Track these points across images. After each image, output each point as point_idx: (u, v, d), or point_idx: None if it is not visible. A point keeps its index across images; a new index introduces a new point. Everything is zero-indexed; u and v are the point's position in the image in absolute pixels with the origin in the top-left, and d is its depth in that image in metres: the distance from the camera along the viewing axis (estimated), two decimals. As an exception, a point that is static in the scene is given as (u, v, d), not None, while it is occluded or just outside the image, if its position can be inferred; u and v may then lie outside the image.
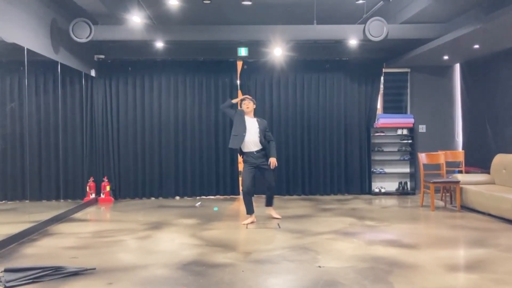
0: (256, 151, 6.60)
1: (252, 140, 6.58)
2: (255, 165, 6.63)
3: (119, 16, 7.34)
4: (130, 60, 9.16)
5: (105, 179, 8.90)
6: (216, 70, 9.29)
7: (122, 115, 9.17)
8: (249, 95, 7.26)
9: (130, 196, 9.18)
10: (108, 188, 8.87)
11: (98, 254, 5.08)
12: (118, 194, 9.15)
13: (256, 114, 9.29)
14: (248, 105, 6.75)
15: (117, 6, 7.24)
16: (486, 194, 6.92)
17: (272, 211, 7.05)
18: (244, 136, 6.57)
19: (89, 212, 7.97)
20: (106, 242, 5.63)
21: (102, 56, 9.15)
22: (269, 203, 7.01)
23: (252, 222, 6.63)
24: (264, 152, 6.65)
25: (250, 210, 6.69)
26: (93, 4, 6.73)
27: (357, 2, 6.61)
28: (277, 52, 8.47)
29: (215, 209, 6.77)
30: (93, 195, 8.70)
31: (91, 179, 8.76)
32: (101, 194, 8.83)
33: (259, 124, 6.71)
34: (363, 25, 7.45)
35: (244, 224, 6.59)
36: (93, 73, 8.99)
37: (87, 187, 8.69)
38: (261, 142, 6.61)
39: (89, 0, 6.60)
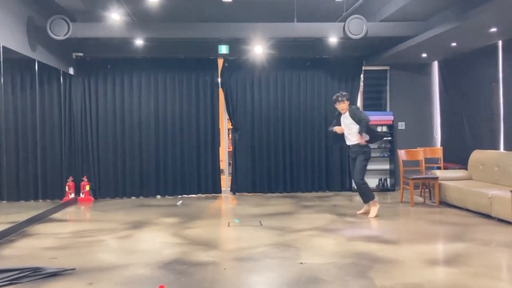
0: (351, 145, 6.92)
1: (347, 135, 6.93)
2: (353, 157, 6.97)
3: (97, 13, 7.25)
4: (109, 58, 9.04)
5: (85, 179, 8.78)
6: (197, 68, 9.24)
7: (102, 113, 9.06)
8: (343, 92, 7.15)
9: (110, 195, 9.08)
10: (87, 187, 8.76)
11: (78, 254, 5.02)
12: (98, 193, 9.04)
13: (237, 112, 9.36)
14: (341, 106, 6.94)
15: (95, 3, 7.15)
16: (464, 189, 7.05)
17: (367, 208, 6.94)
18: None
19: (69, 212, 7.86)
20: (86, 242, 5.56)
21: (81, 54, 9.02)
22: (363, 199, 7.00)
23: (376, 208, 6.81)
24: (359, 146, 6.83)
25: (371, 196, 6.85)
26: (71, 1, 6.64)
27: (337, 0, 6.64)
28: (258, 50, 8.47)
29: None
30: (73, 195, 8.58)
31: (70, 178, 8.63)
32: (81, 194, 8.72)
33: (351, 117, 6.87)
34: (343, 23, 7.50)
35: (373, 216, 6.69)
36: (71, 71, 8.86)
37: (66, 187, 8.56)
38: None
39: (67, -3, 6.51)
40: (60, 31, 7.21)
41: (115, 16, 7.13)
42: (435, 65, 9.67)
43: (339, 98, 6.91)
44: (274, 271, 4.36)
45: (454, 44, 7.60)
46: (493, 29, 6.55)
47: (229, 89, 9.29)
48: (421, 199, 8.13)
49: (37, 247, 5.33)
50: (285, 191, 9.40)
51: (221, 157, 9.56)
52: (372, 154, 9.51)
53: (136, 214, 7.34)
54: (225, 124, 9.70)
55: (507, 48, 7.34)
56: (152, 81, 9.18)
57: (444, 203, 7.60)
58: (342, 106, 6.91)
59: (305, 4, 7.39)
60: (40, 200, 8.35)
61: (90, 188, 8.84)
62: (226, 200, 8.84)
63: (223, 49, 8.84)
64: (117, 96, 9.09)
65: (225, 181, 9.68)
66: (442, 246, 5.39)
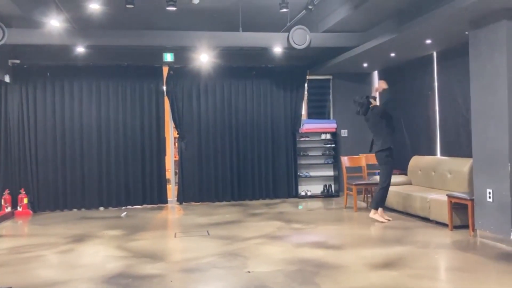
0: (376, 151, 7.06)
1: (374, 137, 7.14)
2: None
3: (35, 19, 6.96)
4: (49, 65, 8.71)
5: (22, 191, 8.38)
6: (141, 75, 9.08)
7: (40, 123, 8.69)
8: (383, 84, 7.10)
9: (50, 208, 8.70)
10: (25, 200, 8.36)
11: (15, 271, 4.76)
12: (37, 206, 8.64)
13: (183, 121, 9.27)
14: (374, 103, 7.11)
15: (33, 9, 6.86)
16: (403, 194, 7.33)
17: (374, 214, 6.98)
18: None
19: (5, 227, 7.45)
20: (24, 258, 5.29)
21: (17, 61, 8.63)
22: (372, 204, 7.11)
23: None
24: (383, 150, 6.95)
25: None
26: (5, 5, 6.34)
27: (281, 11, 6.76)
28: (204, 58, 8.46)
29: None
30: (9, 209, 8.15)
31: (7, 191, 8.20)
32: (18, 207, 8.30)
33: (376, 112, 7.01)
34: (287, 33, 7.64)
35: (383, 221, 6.82)
36: (7, 78, 8.44)
37: (2, 200, 8.13)
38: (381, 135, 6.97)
39: (1, 1, 6.20)
40: (-5, 37, 6.87)
41: (54, 23, 6.88)
42: (376, 74, 10.03)
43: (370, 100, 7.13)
44: (222, 280, 4.34)
45: (393, 54, 7.93)
46: (428, 41, 6.89)
47: (175, 97, 9.19)
48: (364, 204, 8.37)
49: (-31, 266, 5.02)
50: (232, 200, 9.39)
51: (167, 167, 9.42)
52: (317, 161, 9.83)
53: (78, 227, 7.08)
54: (171, 132, 9.58)
55: (441, 58, 7.74)
56: (94, 89, 8.92)
57: (385, 208, 7.84)
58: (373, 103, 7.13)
59: (250, 13, 7.46)
60: (-27, 215, 7.88)
61: (28, 201, 8.43)
62: (173, 210, 8.71)
63: (168, 57, 8.74)
64: (57, 105, 8.76)
65: (172, 190, 9.54)
66: (384, 250, 5.56)
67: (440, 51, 7.67)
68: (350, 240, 5.90)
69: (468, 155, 6.32)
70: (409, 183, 8.05)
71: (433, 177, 7.43)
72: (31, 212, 8.43)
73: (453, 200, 6.07)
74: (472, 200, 5.80)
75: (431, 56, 7.93)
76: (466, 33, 5.90)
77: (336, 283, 4.14)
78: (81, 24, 7.67)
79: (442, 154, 7.80)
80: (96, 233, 6.57)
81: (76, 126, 8.82)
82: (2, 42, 6.90)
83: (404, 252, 5.15)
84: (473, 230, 5.81)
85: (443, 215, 6.29)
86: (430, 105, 8.09)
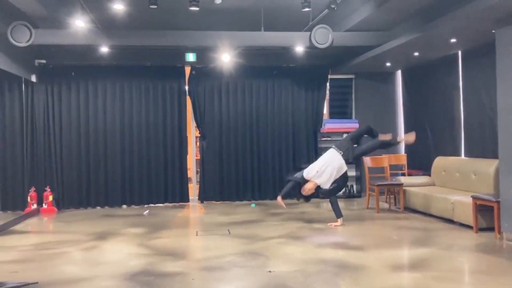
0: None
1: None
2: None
3: (61, 20, 7.09)
4: (73, 65, 8.86)
5: (48, 189, 8.54)
6: (164, 75, 9.17)
7: (65, 122, 8.85)
8: None
9: (74, 205, 8.85)
10: (50, 198, 8.52)
11: (40, 267, 4.86)
12: (62, 204, 8.80)
13: (205, 120, 9.32)
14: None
15: (58, 10, 6.99)
16: (427, 195, 7.22)
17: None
18: None
19: (31, 223, 7.62)
20: (49, 254, 5.40)
21: (44, 61, 8.80)
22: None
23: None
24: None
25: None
26: (32, 7, 6.47)
27: (303, 10, 6.73)
28: (225, 58, 8.48)
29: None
30: (35, 206, 8.33)
31: (33, 188, 8.39)
32: (43, 204, 8.47)
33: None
34: (309, 33, 7.60)
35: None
36: (33, 78, 8.62)
37: (28, 197, 8.31)
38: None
39: (28, 3, 6.34)
40: (22, 38, 7.01)
41: (79, 23, 6.99)
42: (399, 74, 9.91)
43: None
44: (243, 280, 4.35)
45: (416, 53, 7.82)
46: (453, 40, 6.78)
47: (197, 97, 9.26)
48: (386, 205, 8.28)
49: (-3, 261, 5.14)
50: (253, 199, 9.40)
51: (188, 165, 9.49)
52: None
53: (101, 225, 7.18)
54: (192, 132, 9.64)
55: (467, 57, 7.61)
56: (118, 88, 9.04)
57: (408, 209, 7.76)
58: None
59: (272, 13, 7.46)
60: (1, 212, 8.09)
61: (53, 198, 8.59)
62: (194, 209, 8.77)
63: (190, 57, 8.79)
64: (81, 104, 8.91)
65: (193, 189, 9.60)
66: (407, 251, 5.51)
67: (465, 50, 7.54)
68: (372, 241, 5.85)
69: (494, 156, 6.20)
70: (433, 184, 7.93)
71: (457, 178, 7.30)
72: (55, 209, 8.59)
73: (478, 202, 5.95)
74: (498, 202, 5.68)
75: (456, 55, 7.80)
76: (493, 31, 5.78)
77: (357, 284, 4.10)
78: (105, 25, 7.79)
79: (467, 154, 7.66)
80: (119, 231, 6.66)
81: (100, 125, 8.96)
82: (29, 42, 7.05)
83: (427, 254, 5.08)
84: (499, 232, 5.69)
85: (468, 217, 6.17)
86: (454, 105, 7.95)
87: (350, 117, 10.01)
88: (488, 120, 6.98)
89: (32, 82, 8.63)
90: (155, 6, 6.46)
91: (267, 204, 8.92)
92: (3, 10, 6.92)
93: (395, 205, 8.26)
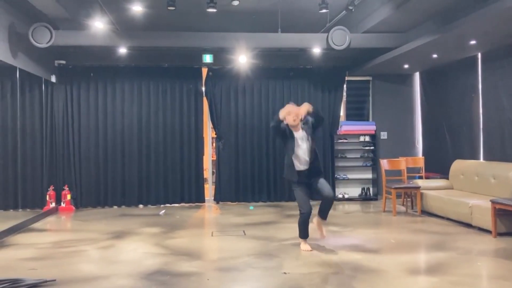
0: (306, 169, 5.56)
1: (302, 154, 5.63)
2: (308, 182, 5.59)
3: (81, 21, 7.20)
4: (92, 65, 8.98)
5: (66, 188, 8.66)
6: (181, 76, 9.23)
7: (84, 122, 8.97)
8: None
9: (92, 204, 8.97)
10: (68, 196, 8.64)
11: (58, 265, 4.93)
12: (79, 203, 8.92)
13: (221, 121, 9.35)
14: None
15: (79, 11, 7.11)
16: (445, 199, 7.13)
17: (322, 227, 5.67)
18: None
19: (49, 221, 7.73)
20: (67, 252, 5.47)
21: (63, 62, 8.94)
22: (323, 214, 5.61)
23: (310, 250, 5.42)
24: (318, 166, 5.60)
25: (306, 235, 5.56)
26: (53, 8, 6.58)
27: (320, 12, 6.72)
28: (242, 59, 8.50)
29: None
30: (53, 204, 8.45)
31: (51, 187, 8.51)
32: (62, 203, 8.59)
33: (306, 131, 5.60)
34: (326, 34, 7.58)
35: (306, 250, 5.37)
36: (53, 78, 8.77)
37: (47, 196, 8.43)
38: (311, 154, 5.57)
39: (50, 5, 6.45)
40: (43, 39, 7.15)
41: (99, 25, 7.10)
42: (417, 76, 9.81)
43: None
44: (258, 281, 4.35)
45: (434, 55, 7.74)
46: (473, 42, 6.69)
47: (213, 98, 9.29)
48: (403, 208, 8.20)
49: (16, 258, 5.22)
50: (268, 200, 9.39)
51: (204, 166, 9.53)
52: (355, 164, 9.70)
53: (118, 224, 7.25)
54: (209, 132, 9.68)
55: (486, 59, 7.50)
56: (136, 89, 9.13)
57: (426, 212, 7.67)
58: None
59: (289, 14, 7.46)
60: (20, 210, 8.20)
61: (71, 197, 8.71)
62: (210, 210, 8.80)
63: (207, 58, 8.82)
64: (99, 105, 9.02)
65: (209, 190, 9.64)
66: (424, 255, 5.44)
67: (485, 52, 7.43)
68: (389, 244, 5.79)
69: (514, 159, 6.10)
70: (451, 188, 7.83)
71: (476, 182, 7.20)
72: (73, 208, 8.70)
73: (497, 206, 5.86)
74: (517, 206, 5.58)
75: (476, 57, 7.69)
76: (513, 33, 5.70)
77: (373, 287, 4.07)
78: (124, 26, 7.89)
79: (486, 158, 7.55)
80: (135, 230, 6.72)
81: (118, 125, 9.06)
82: (50, 43, 7.17)
83: (444, 258, 5.01)
84: (519, 237, 5.60)
85: (487, 221, 6.07)
86: (473, 107, 7.84)
87: (367, 120, 9.94)
88: (508, 123, 6.87)
89: (52, 82, 8.76)
90: (173, 8, 6.52)
91: (283, 206, 8.91)
92: (25, 11, 7.06)
93: (412, 208, 8.17)
